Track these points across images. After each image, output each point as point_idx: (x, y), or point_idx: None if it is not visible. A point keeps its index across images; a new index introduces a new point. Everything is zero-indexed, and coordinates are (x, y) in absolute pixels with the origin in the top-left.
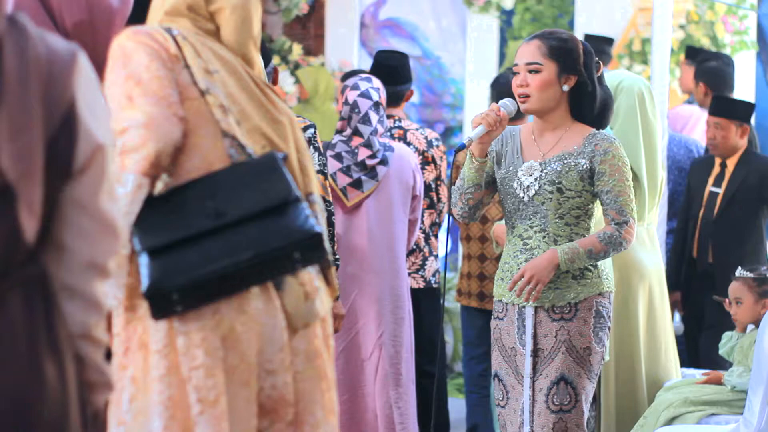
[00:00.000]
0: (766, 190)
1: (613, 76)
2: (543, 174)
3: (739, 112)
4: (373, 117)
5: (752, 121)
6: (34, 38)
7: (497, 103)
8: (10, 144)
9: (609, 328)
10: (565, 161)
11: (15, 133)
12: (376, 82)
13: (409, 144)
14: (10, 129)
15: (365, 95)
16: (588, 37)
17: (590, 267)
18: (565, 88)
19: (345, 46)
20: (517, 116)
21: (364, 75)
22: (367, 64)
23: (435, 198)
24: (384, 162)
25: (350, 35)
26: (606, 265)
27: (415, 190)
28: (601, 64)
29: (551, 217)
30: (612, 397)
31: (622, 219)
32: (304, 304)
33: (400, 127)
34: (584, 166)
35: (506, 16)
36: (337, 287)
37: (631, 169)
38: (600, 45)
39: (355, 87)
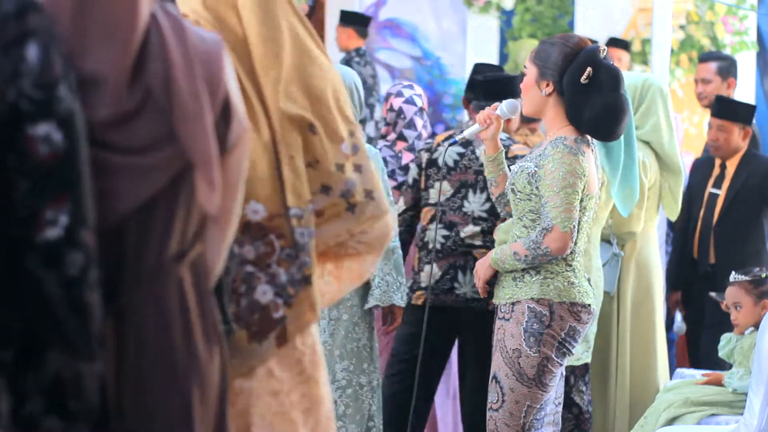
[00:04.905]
0: None
1: (634, 76)
2: (511, 176)
3: (742, 113)
4: (418, 122)
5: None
6: (188, 27)
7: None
8: (186, 126)
9: (557, 338)
10: (523, 164)
11: (190, 118)
12: (418, 89)
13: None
14: (184, 113)
15: (410, 102)
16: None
17: (530, 271)
18: (544, 92)
19: None
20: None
21: (406, 83)
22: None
23: None
24: None
25: None
26: (575, 276)
27: None
28: (590, 71)
29: (515, 219)
30: (612, 397)
31: (543, 225)
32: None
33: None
34: (531, 170)
35: (506, 16)
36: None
37: (666, 164)
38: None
39: (399, 94)
